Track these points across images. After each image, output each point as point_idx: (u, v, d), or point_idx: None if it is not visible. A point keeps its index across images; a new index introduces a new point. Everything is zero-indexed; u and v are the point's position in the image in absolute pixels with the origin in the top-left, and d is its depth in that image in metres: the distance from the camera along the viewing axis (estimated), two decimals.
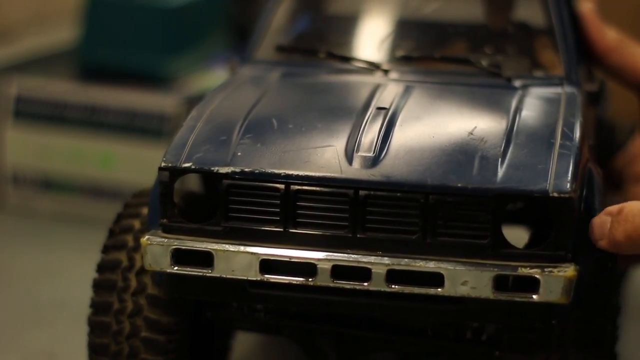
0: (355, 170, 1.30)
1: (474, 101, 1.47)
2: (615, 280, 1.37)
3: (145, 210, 1.43)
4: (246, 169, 1.32)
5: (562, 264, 1.27)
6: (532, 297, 1.27)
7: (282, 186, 1.31)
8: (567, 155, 1.32)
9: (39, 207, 2.40)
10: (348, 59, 1.61)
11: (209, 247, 1.32)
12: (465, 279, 1.27)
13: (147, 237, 1.34)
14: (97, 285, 1.43)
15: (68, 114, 2.35)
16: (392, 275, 1.28)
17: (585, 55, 1.64)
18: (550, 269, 1.26)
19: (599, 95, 1.59)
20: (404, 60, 1.61)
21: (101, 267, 1.44)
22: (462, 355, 1.44)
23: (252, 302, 1.41)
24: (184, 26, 2.52)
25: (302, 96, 1.53)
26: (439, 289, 1.28)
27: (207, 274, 1.32)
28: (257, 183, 1.31)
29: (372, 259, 1.29)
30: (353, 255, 1.29)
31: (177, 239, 1.33)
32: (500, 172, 1.29)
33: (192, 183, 1.44)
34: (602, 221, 1.31)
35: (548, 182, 1.28)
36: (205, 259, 1.32)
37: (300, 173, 1.31)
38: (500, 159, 1.31)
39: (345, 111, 1.42)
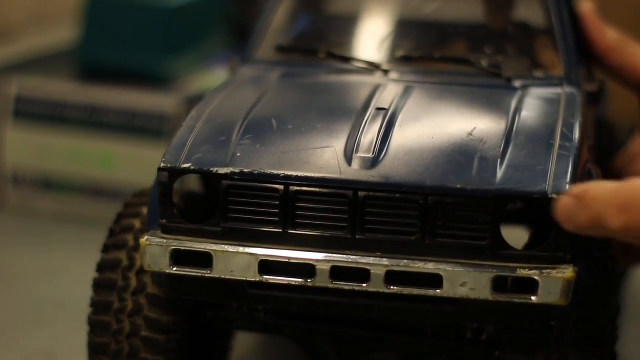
0: (355, 171, 1.30)
1: (474, 102, 1.47)
2: (615, 280, 1.37)
3: (145, 210, 1.43)
4: (245, 170, 1.32)
5: (561, 266, 1.27)
6: (530, 299, 1.27)
7: (281, 187, 1.31)
8: (566, 156, 1.32)
9: (39, 207, 2.40)
10: (348, 59, 1.61)
11: (208, 247, 1.32)
12: (464, 280, 1.27)
13: (146, 237, 1.34)
14: (98, 285, 1.43)
15: (68, 114, 2.35)
16: (391, 277, 1.28)
17: (585, 55, 1.64)
18: (548, 271, 1.26)
19: (599, 95, 1.59)
20: (403, 60, 1.61)
21: (101, 267, 1.44)
22: (462, 355, 1.44)
23: (251, 302, 1.40)
24: (184, 26, 2.51)
25: (302, 96, 1.53)
26: (438, 290, 1.28)
27: (206, 275, 1.32)
28: (256, 184, 1.31)
29: (371, 260, 1.29)
30: (352, 257, 1.29)
31: (176, 239, 1.33)
32: (500, 173, 1.29)
33: (192, 183, 1.44)
34: (566, 204, 1.26)
35: (547, 183, 1.28)
36: (205, 259, 1.32)
37: (300, 174, 1.31)
38: (499, 160, 1.31)
39: (345, 112, 1.42)
